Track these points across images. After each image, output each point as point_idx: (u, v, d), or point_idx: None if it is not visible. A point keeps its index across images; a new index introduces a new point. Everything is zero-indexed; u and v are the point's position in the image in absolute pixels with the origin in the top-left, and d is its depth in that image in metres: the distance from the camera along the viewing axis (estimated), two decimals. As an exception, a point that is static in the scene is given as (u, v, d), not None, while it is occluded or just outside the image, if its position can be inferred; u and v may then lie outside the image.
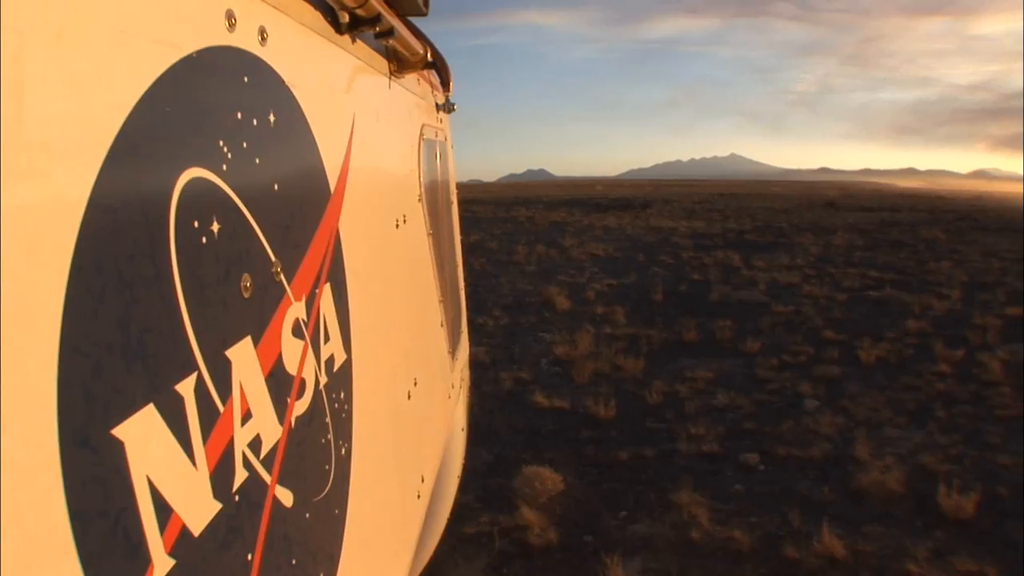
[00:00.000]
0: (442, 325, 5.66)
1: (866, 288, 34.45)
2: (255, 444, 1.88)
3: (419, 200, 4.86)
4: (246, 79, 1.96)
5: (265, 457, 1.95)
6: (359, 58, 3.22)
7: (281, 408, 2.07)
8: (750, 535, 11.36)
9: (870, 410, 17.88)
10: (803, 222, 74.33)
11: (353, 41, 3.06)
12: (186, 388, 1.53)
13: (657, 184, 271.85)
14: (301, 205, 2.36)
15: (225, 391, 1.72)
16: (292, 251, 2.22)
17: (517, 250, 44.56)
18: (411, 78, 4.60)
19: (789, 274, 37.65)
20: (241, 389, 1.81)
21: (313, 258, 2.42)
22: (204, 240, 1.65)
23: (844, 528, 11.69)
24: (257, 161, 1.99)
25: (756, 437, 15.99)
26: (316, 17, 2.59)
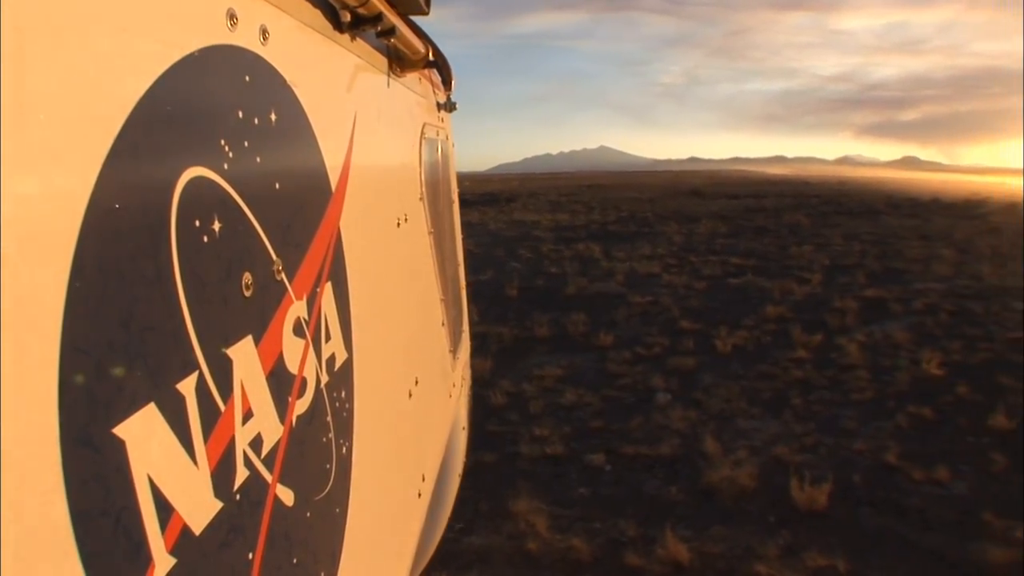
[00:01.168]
0: (443, 324, 5.64)
1: (727, 275, 34.68)
2: (256, 443, 1.87)
3: (420, 199, 4.83)
4: (247, 78, 1.95)
5: (266, 456, 1.93)
6: (360, 57, 3.22)
7: (282, 407, 2.06)
8: (591, 543, 11.22)
9: (724, 401, 17.77)
10: (667, 211, 75.46)
11: (354, 40, 3.06)
12: (187, 387, 1.52)
13: (525, 178, 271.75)
14: (302, 204, 2.36)
15: (226, 390, 1.70)
16: (293, 250, 2.20)
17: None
18: (412, 77, 4.60)
19: (649, 264, 37.80)
20: (242, 388, 1.79)
21: (314, 257, 2.41)
22: (205, 239, 1.64)
23: (692, 530, 11.42)
24: (258, 160, 1.98)
25: (604, 436, 15.91)
26: (317, 16, 2.59)
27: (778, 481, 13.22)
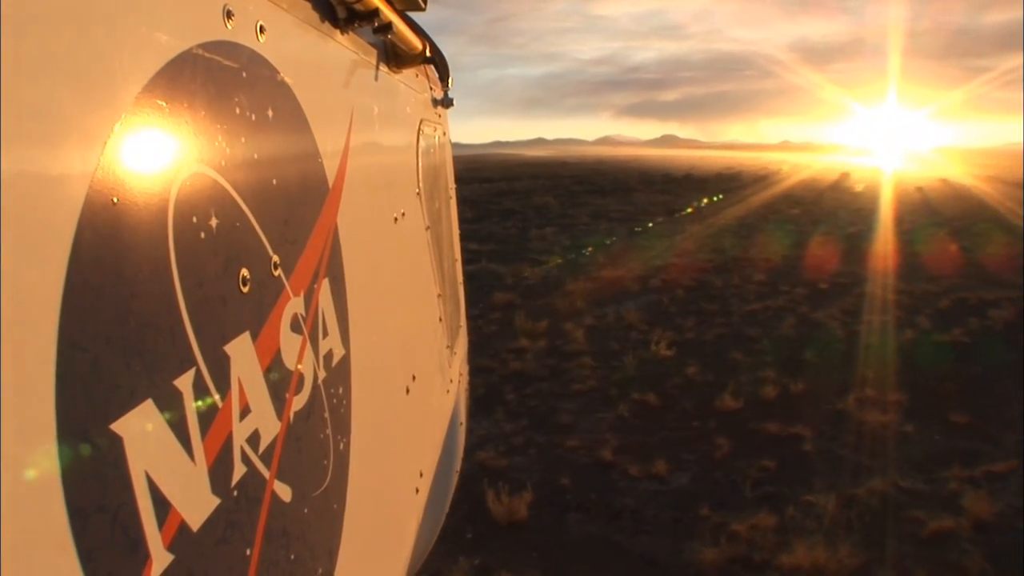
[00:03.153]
0: (440, 320, 5.57)
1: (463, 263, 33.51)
2: (254, 439, 1.86)
3: (417, 195, 4.79)
4: (244, 74, 1.94)
5: (264, 452, 1.93)
6: (357, 53, 3.21)
7: (280, 403, 2.06)
8: None
9: (431, 403, 16.00)
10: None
11: (351, 36, 3.04)
12: (184, 383, 1.52)
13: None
14: (299, 200, 2.35)
15: (224, 386, 1.70)
16: (290, 246, 2.20)
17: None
18: (409, 73, 4.56)
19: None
20: (240, 384, 1.79)
21: (312, 253, 2.40)
22: (202, 235, 1.64)
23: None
24: (255, 156, 1.98)
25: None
26: (314, 12, 2.59)
27: (478, 491, 12.35)
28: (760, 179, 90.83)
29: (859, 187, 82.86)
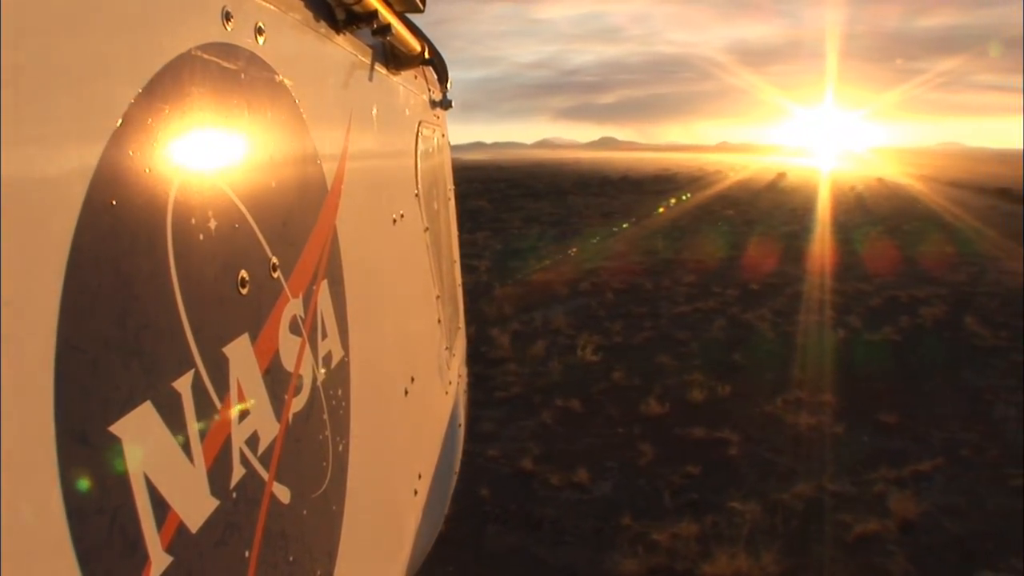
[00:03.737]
0: (439, 321, 5.56)
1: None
2: (252, 441, 1.86)
3: (416, 197, 4.77)
4: (243, 76, 1.94)
5: (262, 454, 1.93)
6: (356, 55, 3.21)
7: (278, 405, 2.06)
8: None
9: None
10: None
11: (350, 38, 3.04)
12: (183, 385, 1.52)
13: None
14: (298, 202, 2.34)
15: (222, 388, 1.70)
16: (289, 248, 2.20)
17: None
18: (408, 75, 4.54)
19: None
20: (238, 386, 1.79)
21: (310, 255, 2.40)
22: (201, 237, 1.64)
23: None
24: (254, 158, 1.98)
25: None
26: (312, 14, 2.58)
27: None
28: (695, 180, 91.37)
29: (794, 187, 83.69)
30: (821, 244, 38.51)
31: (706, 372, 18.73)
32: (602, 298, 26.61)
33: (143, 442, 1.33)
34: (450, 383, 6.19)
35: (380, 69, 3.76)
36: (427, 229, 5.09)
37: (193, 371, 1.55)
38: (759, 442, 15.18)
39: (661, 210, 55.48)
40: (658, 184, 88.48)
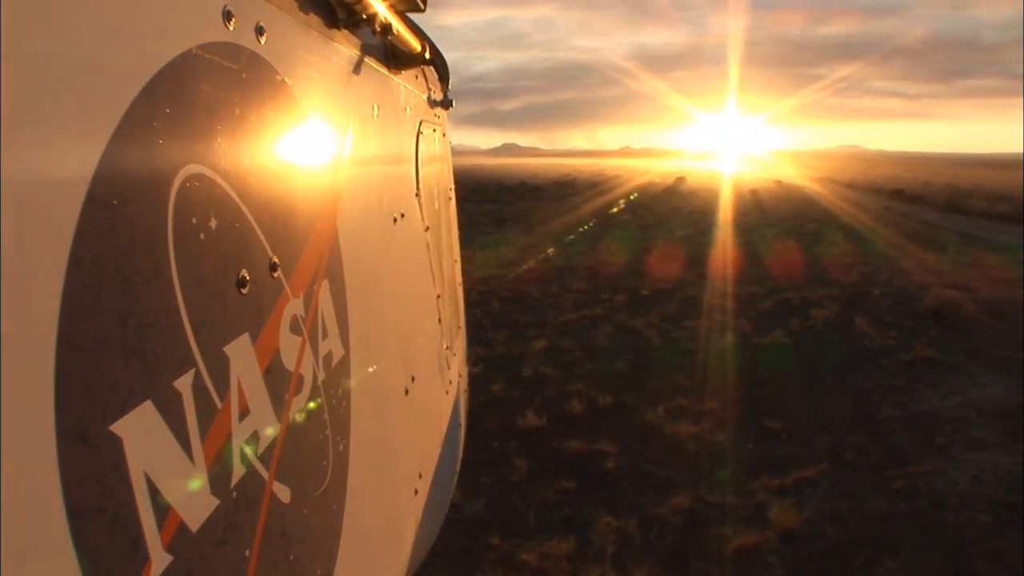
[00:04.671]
0: (440, 321, 5.56)
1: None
2: (253, 440, 1.88)
3: (417, 196, 4.81)
4: (244, 75, 1.95)
5: (263, 453, 1.94)
6: (357, 54, 3.22)
7: (279, 404, 2.07)
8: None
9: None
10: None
11: (351, 37, 3.07)
12: (184, 384, 1.53)
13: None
14: (299, 201, 2.35)
15: (223, 387, 1.71)
16: (290, 247, 2.21)
17: None
18: (409, 74, 4.57)
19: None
20: (239, 385, 1.79)
21: (311, 254, 2.41)
22: (202, 236, 1.65)
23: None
24: (255, 157, 1.99)
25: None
26: (314, 14, 2.60)
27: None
28: (594, 186, 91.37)
29: (693, 191, 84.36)
30: (715, 248, 38.44)
31: (588, 382, 18.33)
32: (488, 307, 26.03)
33: (144, 441, 1.34)
34: (451, 382, 6.20)
35: (381, 68, 3.78)
36: (428, 228, 5.10)
37: (194, 370, 1.55)
38: (638, 453, 14.76)
39: (557, 216, 55.13)
40: (556, 190, 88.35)
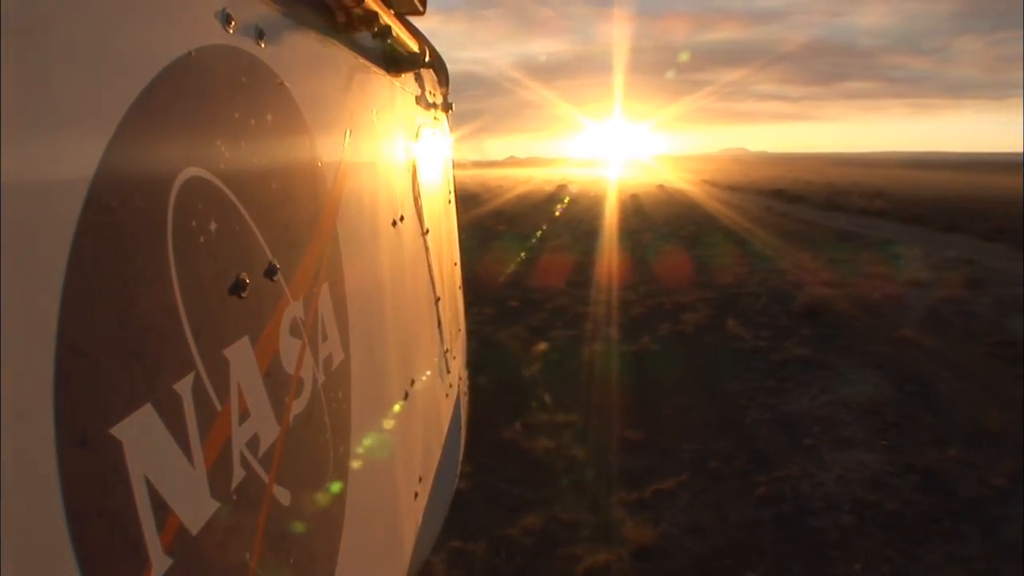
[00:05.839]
0: (440, 324, 5.53)
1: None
2: (253, 443, 1.87)
3: (416, 199, 4.78)
4: (243, 78, 1.95)
5: (263, 456, 1.93)
6: (356, 57, 3.22)
7: (279, 407, 2.07)
8: None
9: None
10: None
11: (350, 40, 3.06)
12: (184, 387, 1.52)
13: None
14: (299, 204, 2.35)
15: (223, 390, 1.71)
16: (290, 250, 2.21)
17: None
18: (408, 77, 4.55)
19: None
20: (239, 388, 1.79)
21: (311, 257, 2.41)
22: (202, 239, 1.65)
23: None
24: (255, 160, 1.99)
25: None
26: (313, 17, 2.60)
27: None
28: (474, 196, 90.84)
29: (574, 199, 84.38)
30: (591, 255, 37.96)
31: (445, 400, 17.12)
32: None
33: (144, 444, 1.33)
34: (451, 386, 6.19)
35: (380, 71, 3.75)
36: (427, 232, 5.07)
37: (194, 373, 1.54)
38: (492, 472, 14.17)
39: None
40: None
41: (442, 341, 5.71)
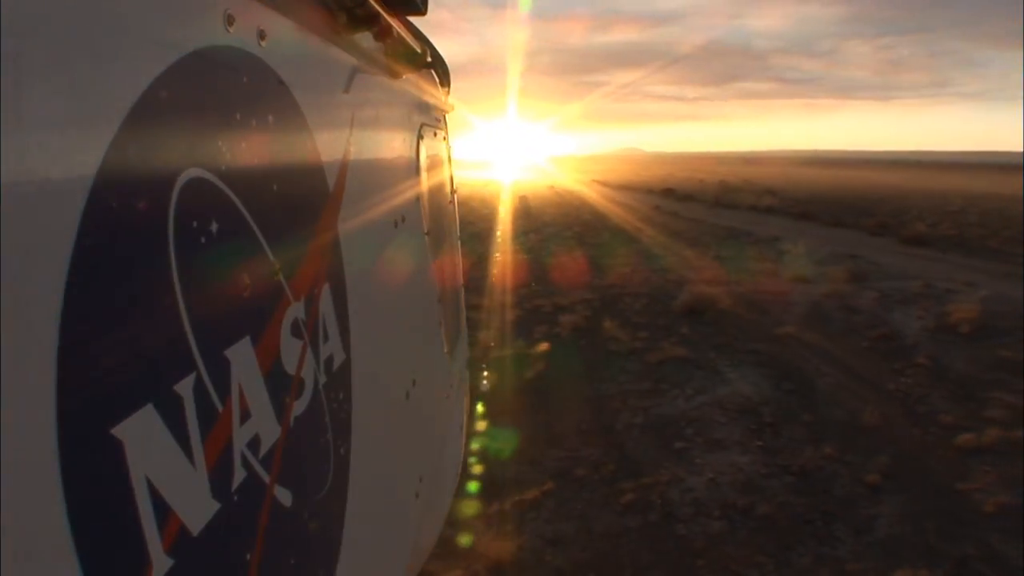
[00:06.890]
0: (440, 325, 5.55)
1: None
2: (254, 444, 1.86)
3: (418, 199, 4.79)
4: (245, 79, 1.94)
5: (264, 457, 1.93)
6: (358, 58, 3.21)
7: (280, 408, 2.06)
8: None
9: None
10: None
11: (351, 41, 3.05)
12: (185, 388, 1.52)
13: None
14: (300, 205, 2.35)
15: (224, 391, 1.70)
16: (291, 251, 2.20)
17: None
18: (410, 77, 4.60)
19: None
20: (240, 389, 1.79)
21: (312, 258, 2.40)
22: (203, 240, 1.64)
23: None
24: (256, 161, 1.99)
25: None
26: (314, 17, 2.59)
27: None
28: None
29: (461, 201, 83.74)
30: (468, 259, 37.16)
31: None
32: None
33: (144, 445, 1.32)
34: (451, 386, 6.16)
35: (382, 72, 3.76)
36: (429, 232, 5.06)
37: (195, 374, 1.54)
38: None
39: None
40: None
41: (443, 342, 5.69)
